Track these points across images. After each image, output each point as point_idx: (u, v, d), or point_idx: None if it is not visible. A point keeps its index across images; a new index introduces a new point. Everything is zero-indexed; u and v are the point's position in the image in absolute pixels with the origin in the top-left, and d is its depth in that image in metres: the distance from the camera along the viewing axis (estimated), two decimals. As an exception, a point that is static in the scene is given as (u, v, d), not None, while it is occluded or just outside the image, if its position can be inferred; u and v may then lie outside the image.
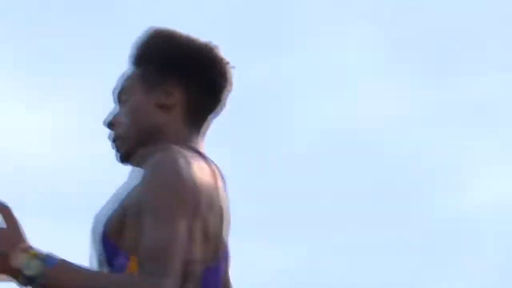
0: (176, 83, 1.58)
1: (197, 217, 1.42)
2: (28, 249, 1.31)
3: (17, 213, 1.37)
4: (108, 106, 1.70)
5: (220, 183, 1.55)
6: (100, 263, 1.46)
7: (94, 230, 1.48)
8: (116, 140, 1.58)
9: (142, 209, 1.38)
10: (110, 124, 1.60)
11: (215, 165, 1.60)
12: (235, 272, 1.64)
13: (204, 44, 1.61)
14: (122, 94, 1.61)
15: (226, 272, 1.59)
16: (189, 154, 1.48)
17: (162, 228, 1.34)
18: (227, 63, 1.63)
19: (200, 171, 1.46)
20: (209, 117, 1.62)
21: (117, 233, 1.42)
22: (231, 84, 1.64)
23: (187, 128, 1.58)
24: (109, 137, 1.62)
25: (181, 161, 1.41)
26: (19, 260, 1.32)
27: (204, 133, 1.63)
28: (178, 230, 1.35)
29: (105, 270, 1.44)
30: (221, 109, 1.65)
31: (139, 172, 1.47)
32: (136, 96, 1.59)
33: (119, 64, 1.76)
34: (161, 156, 1.41)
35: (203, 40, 1.62)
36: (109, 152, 1.63)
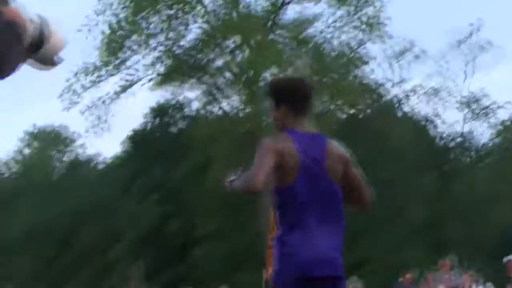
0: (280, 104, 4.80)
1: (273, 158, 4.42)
2: None
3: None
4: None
5: (292, 145, 4.43)
6: None
7: None
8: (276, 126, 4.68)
9: None
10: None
11: (306, 134, 4.56)
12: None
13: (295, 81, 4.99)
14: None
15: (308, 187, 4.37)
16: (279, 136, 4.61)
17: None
18: (304, 89, 4.79)
19: (278, 141, 4.49)
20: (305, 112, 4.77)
21: None
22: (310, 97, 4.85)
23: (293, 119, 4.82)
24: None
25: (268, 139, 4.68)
26: None
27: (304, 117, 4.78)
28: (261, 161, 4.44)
29: None
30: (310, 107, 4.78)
31: None
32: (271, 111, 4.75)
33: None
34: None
35: (293, 79, 5.14)
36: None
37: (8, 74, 2.76)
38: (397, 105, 45.97)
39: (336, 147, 4.78)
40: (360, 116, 45.40)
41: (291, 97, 4.64)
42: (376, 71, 47.61)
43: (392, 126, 41.95)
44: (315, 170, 4.43)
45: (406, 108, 46.38)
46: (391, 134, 40.59)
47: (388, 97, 45.46)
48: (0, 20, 2.74)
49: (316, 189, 4.38)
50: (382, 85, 44.61)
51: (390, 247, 38.66)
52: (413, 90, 45.54)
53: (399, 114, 46.43)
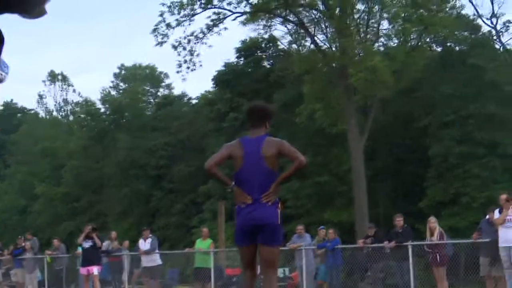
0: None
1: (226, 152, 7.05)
2: None
3: None
4: None
5: (240, 146, 6.97)
6: None
7: None
8: None
9: None
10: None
11: (250, 139, 7.06)
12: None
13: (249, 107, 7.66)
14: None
15: (247, 172, 6.84)
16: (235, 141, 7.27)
17: None
18: (252, 109, 7.37)
19: (231, 144, 7.12)
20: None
21: None
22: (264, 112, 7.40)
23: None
24: None
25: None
26: None
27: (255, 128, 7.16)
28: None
29: None
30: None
31: None
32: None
33: None
34: None
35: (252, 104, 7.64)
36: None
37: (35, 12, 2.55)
38: (494, 38, 45.49)
39: (270, 139, 6.96)
40: (456, 49, 45.21)
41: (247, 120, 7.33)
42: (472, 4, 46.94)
43: (489, 59, 41.63)
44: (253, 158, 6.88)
45: (503, 41, 45.89)
46: (488, 68, 40.32)
47: (485, 30, 45.07)
48: None
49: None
50: (480, 16, 44.27)
51: (482, 183, 38.77)
52: (510, 23, 44.95)
53: (496, 47, 45.95)
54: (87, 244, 17.72)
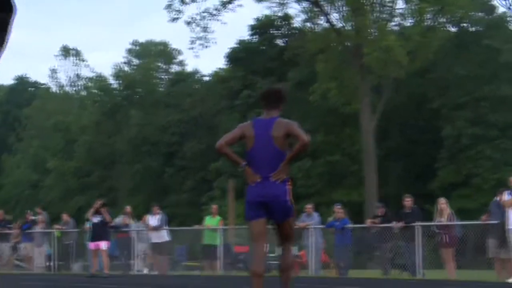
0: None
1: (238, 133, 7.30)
2: None
3: None
4: None
5: (251, 127, 7.27)
6: None
7: None
8: None
9: None
10: None
11: (266, 120, 7.33)
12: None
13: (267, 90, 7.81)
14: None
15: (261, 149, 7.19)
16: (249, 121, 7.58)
17: None
18: (267, 92, 7.60)
19: (244, 125, 7.41)
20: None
21: None
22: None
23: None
24: None
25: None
26: None
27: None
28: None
29: None
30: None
31: None
32: None
33: None
34: None
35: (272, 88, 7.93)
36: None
37: None
38: (509, 19, 45.20)
39: (280, 121, 7.28)
40: (471, 30, 44.97)
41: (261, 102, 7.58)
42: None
43: (504, 41, 41.42)
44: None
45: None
46: (503, 50, 40.13)
47: (500, 11, 44.79)
48: None
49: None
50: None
51: (494, 165, 38.73)
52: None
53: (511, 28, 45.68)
54: (96, 219, 17.82)
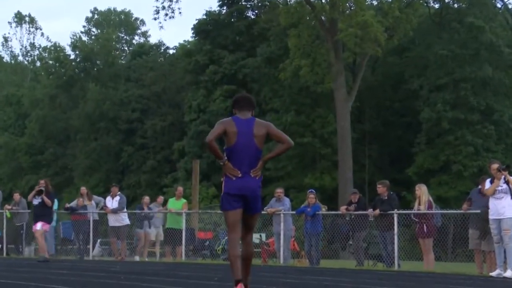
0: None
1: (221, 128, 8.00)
2: None
3: None
4: None
5: (233, 124, 8.00)
6: None
7: None
8: None
9: None
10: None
11: (245, 119, 8.10)
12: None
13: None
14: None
15: (243, 148, 7.99)
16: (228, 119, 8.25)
17: None
18: (241, 97, 8.38)
19: (225, 121, 8.07)
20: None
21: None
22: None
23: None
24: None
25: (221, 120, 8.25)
26: None
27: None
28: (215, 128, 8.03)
29: None
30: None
31: None
32: None
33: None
34: None
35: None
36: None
37: None
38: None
39: (259, 121, 8.18)
40: (454, 6, 45.00)
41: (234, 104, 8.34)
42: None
43: (488, 19, 41.54)
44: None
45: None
46: (486, 29, 40.23)
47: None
48: None
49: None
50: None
51: (475, 151, 38.91)
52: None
53: (497, 5, 45.81)
54: (36, 201, 17.84)
